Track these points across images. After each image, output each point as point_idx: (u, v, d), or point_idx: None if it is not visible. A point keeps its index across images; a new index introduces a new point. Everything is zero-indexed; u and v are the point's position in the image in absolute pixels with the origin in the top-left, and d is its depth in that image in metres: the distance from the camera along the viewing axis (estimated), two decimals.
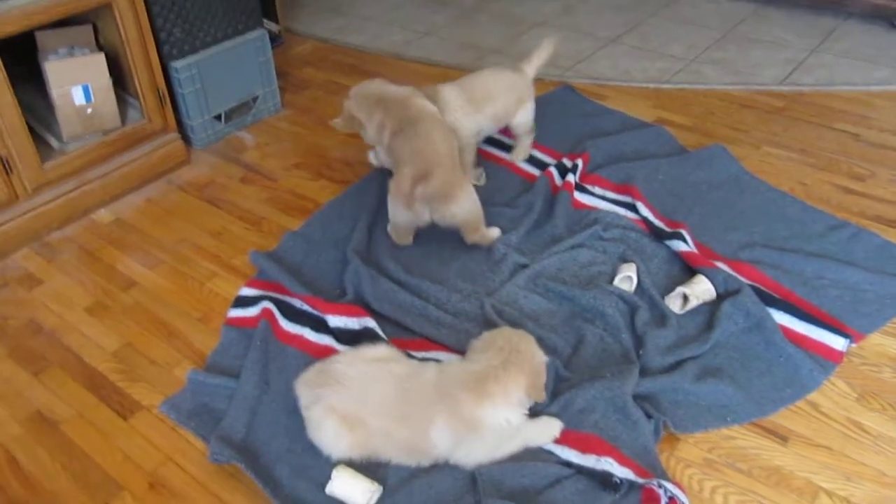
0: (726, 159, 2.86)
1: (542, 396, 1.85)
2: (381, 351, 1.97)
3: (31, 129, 2.65)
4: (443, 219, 2.42)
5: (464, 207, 2.40)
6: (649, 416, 1.91)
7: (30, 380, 2.18)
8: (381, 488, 1.79)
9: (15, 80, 2.51)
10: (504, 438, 1.82)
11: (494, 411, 1.78)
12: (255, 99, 3.32)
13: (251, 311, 2.33)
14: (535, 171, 2.89)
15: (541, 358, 1.87)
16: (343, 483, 1.78)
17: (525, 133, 2.92)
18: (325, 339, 2.21)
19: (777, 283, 2.30)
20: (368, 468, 1.83)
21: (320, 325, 2.25)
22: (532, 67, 2.89)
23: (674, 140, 3.03)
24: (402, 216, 2.45)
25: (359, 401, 1.83)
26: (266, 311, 2.28)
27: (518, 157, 2.95)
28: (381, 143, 2.54)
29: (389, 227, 2.57)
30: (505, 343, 1.84)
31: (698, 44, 3.85)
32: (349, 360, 1.90)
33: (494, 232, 2.52)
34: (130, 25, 2.73)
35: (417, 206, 2.37)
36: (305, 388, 1.90)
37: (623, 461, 1.80)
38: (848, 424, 1.94)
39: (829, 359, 2.08)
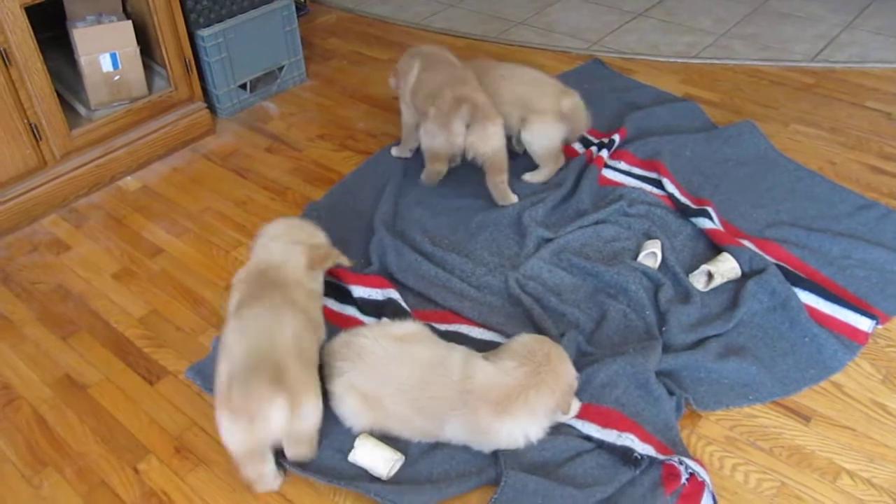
0: (755, 136, 2.82)
1: (567, 409, 1.81)
2: (407, 328, 1.94)
3: (60, 97, 2.67)
4: (478, 142, 2.42)
5: (498, 134, 2.43)
6: (671, 393, 1.91)
7: (59, 343, 2.22)
8: (403, 458, 1.81)
9: (43, 46, 2.53)
10: (521, 445, 1.80)
11: (513, 426, 1.76)
12: (280, 69, 3.31)
13: None
14: (574, 146, 2.85)
15: (573, 377, 1.81)
16: (366, 452, 1.80)
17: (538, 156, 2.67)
18: (349, 310, 2.23)
19: (803, 263, 2.28)
20: (391, 438, 1.85)
21: (344, 296, 2.27)
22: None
23: (705, 116, 2.99)
24: (439, 140, 2.47)
25: (379, 382, 1.82)
26: None
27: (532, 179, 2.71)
28: (409, 87, 2.60)
29: (423, 175, 2.63)
30: (544, 360, 1.77)
31: (727, 18, 3.79)
32: (375, 336, 1.88)
33: (513, 197, 2.53)
34: None
35: (457, 124, 2.40)
36: (330, 359, 1.91)
37: (644, 437, 1.80)
38: (872, 406, 1.93)
39: (854, 340, 2.07)
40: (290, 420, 1.68)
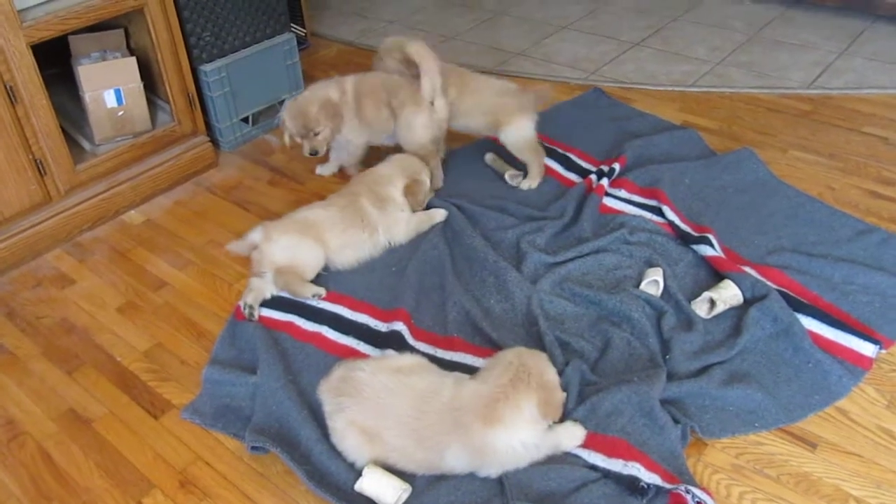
0: (753, 163, 2.85)
1: (556, 415, 1.81)
2: (405, 360, 1.96)
3: (64, 132, 2.70)
4: (463, 114, 2.79)
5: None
6: (676, 421, 1.91)
7: (63, 378, 2.22)
8: (410, 488, 1.81)
9: (49, 83, 2.56)
10: (523, 459, 1.80)
11: (507, 435, 1.76)
12: (282, 102, 3.35)
13: (263, 309, 2.37)
14: (572, 177, 2.89)
15: (551, 375, 1.82)
16: (373, 481, 1.80)
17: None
18: (346, 340, 2.25)
19: (805, 289, 2.29)
20: (396, 471, 1.85)
21: (340, 324, 2.29)
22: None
23: (704, 143, 3.02)
24: (425, 126, 2.73)
25: (377, 416, 1.83)
26: (263, 319, 2.34)
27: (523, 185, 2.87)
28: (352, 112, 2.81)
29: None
30: (514, 358, 1.81)
31: (723, 46, 3.84)
32: (372, 370, 1.89)
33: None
34: (161, 29, 2.78)
35: (441, 101, 2.70)
36: (328, 395, 1.91)
37: (650, 466, 1.80)
38: (878, 432, 1.93)
39: (858, 365, 2.07)
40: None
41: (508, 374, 1.78)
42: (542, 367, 1.81)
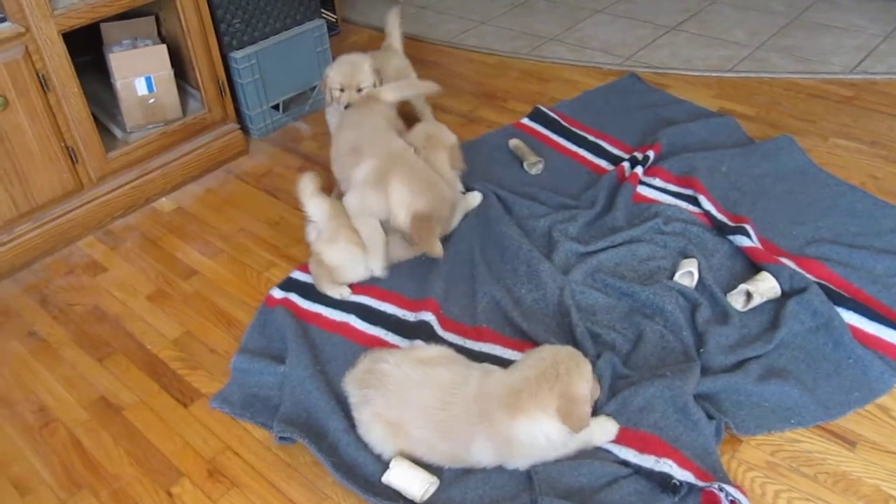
0: (793, 151, 2.77)
1: (577, 427, 1.72)
2: (431, 351, 1.93)
3: (96, 120, 2.71)
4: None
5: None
6: (710, 417, 1.86)
7: (95, 365, 2.24)
8: (437, 481, 1.79)
9: (80, 71, 2.57)
10: (549, 453, 1.77)
11: (530, 427, 1.71)
12: (312, 89, 3.33)
13: (293, 297, 2.36)
14: (603, 164, 2.84)
15: (580, 387, 1.72)
16: (400, 473, 1.79)
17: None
18: (374, 330, 2.23)
19: (846, 281, 2.22)
20: (422, 463, 1.83)
21: (368, 314, 2.28)
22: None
23: (741, 131, 2.94)
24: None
25: (402, 408, 1.81)
26: (286, 301, 2.33)
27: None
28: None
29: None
30: (548, 356, 1.76)
31: (763, 30, 3.73)
32: (397, 361, 1.87)
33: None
34: (192, 17, 2.77)
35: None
36: (353, 387, 1.90)
37: (683, 463, 1.76)
38: None
39: None
40: None
41: (537, 370, 1.73)
42: (573, 377, 1.72)
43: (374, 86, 2.70)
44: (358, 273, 2.37)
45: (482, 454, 1.78)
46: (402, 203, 2.32)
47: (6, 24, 2.36)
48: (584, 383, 1.73)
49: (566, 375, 1.71)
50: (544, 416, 1.71)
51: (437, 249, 2.32)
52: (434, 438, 1.79)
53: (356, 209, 2.38)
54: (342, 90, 2.67)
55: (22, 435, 2.06)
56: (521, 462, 1.78)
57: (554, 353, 1.76)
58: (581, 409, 1.72)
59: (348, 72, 2.68)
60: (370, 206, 2.36)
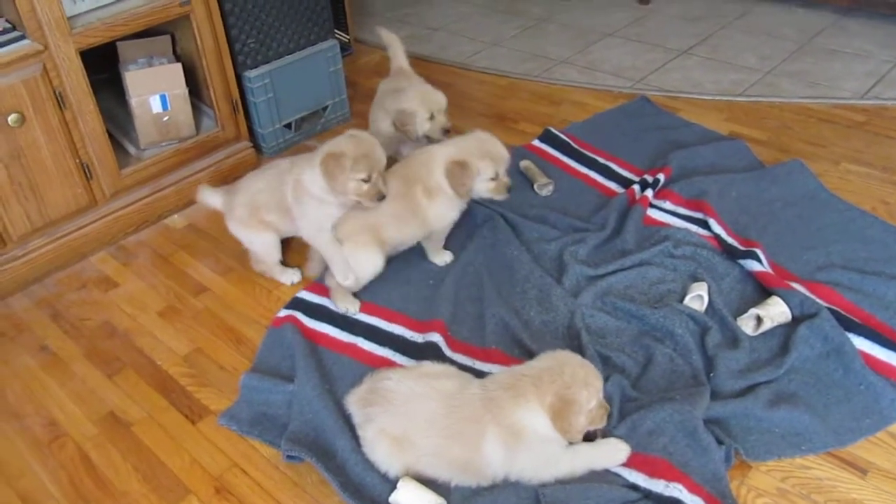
0: (804, 175, 2.77)
1: (571, 435, 1.75)
2: (433, 368, 1.95)
3: (111, 136, 2.74)
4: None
5: None
6: (720, 442, 1.85)
7: (104, 381, 2.25)
8: (445, 502, 1.78)
9: (97, 88, 2.60)
10: (556, 451, 1.78)
11: (532, 415, 1.74)
12: (324, 108, 3.36)
13: (300, 316, 2.37)
14: (613, 186, 2.85)
15: (579, 395, 1.73)
16: (407, 493, 1.78)
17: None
18: (382, 351, 2.24)
19: (857, 307, 2.21)
20: (432, 482, 1.83)
21: (376, 335, 2.28)
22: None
23: (752, 155, 2.95)
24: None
25: (408, 420, 1.82)
26: (292, 318, 2.34)
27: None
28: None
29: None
30: (561, 357, 1.81)
31: (774, 55, 3.75)
32: (399, 377, 1.89)
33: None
34: (207, 36, 2.80)
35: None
36: (357, 407, 1.91)
37: (693, 488, 1.75)
38: None
39: None
40: None
41: (545, 364, 1.79)
42: (575, 382, 1.74)
43: None
44: (373, 265, 2.39)
45: (493, 453, 1.77)
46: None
47: (25, 42, 2.39)
48: (584, 393, 1.75)
49: (569, 378, 1.75)
50: (540, 407, 1.74)
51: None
52: (443, 447, 1.79)
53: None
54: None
55: (31, 449, 2.06)
56: (527, 463, 1.77)
57: (566, 357, 1.81)
58: (573, 415, 1.74)
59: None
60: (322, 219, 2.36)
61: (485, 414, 1.77)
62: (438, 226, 2.46)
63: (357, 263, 2.36)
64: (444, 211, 2.42)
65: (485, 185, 2.38)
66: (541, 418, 1.75)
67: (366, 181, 2.26)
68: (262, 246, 2.50)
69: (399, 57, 3.03)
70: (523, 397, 1.75)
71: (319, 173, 2.26)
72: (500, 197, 2.42)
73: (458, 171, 2.33)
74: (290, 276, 2.55)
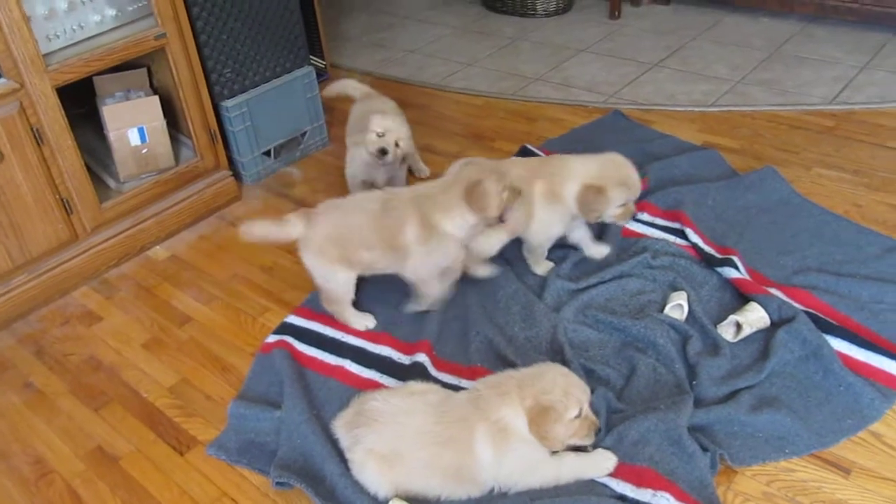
0: (777, 182, 2.82)
1: (548, 443, 1.78)
2: (419, 386, 1.98)
3: (90, 171, 2.74)
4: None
5: None
6: (705, 449, 1.87)
7: (91, 416, 2.24)
8: None
9: (74, 123, 2.61)
10: (540, 456, 1.80)
11: (515, 414, 1.78)
12: (303, 134, 3.38)
13: (291, 340, 2.38)
14: None
15: (558, 404, 1.76)
16: None
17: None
18: (368, 373, 2.25)
19: (833, 309, 2.25)
20: (423, 501, 1.83)
21: (363, 358, 2.29)
22: None
23: (725, 163, 2.99)
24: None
25: (396, 436, 1.83)
26: (283, 343, 2.35)
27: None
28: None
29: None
30: (547, 367, 1.87)
31: (743, 65, 3.81)
32: (384, 397, 1.91)
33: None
34: (183, 68, 2.82)
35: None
36: (343, 430, 1.92)
37: (680, 496, 1.77)
38: None
39: (890, 387, 2.02)
40: None
41: (530, 370, 1.86)
42: (555, 390, 1.78)
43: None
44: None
45: (483, 451, 1.78)
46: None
47: (1, 81, 2.40)
48: (563, 402, 1.78)
49: (549, 385, 1.79)
50: (521, 408, 1.78)
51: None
52: (434, 455, 1.81)
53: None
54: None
55: (18, 487, 2.05)
56: (514, 466, 1.79)
57: (551, 367, 1.88)
58: (549, 422, 1.76)
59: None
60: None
61: (473, 412, 1.81)
62: (540, 234, 2.45)
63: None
64: (549, 217, 2.41)
65: (612, 212, 2.36)
66: (522, 420, 1.79)
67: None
68: (340, 284, 2.33)
69: (358, 88, 3.08)
70: (508, 395, 1.80)
71: (465, 210, 2.20)
72: (621, 223, 2.42)
73: (592, 197, 2.29)
74: (364, 321, 2.40)
